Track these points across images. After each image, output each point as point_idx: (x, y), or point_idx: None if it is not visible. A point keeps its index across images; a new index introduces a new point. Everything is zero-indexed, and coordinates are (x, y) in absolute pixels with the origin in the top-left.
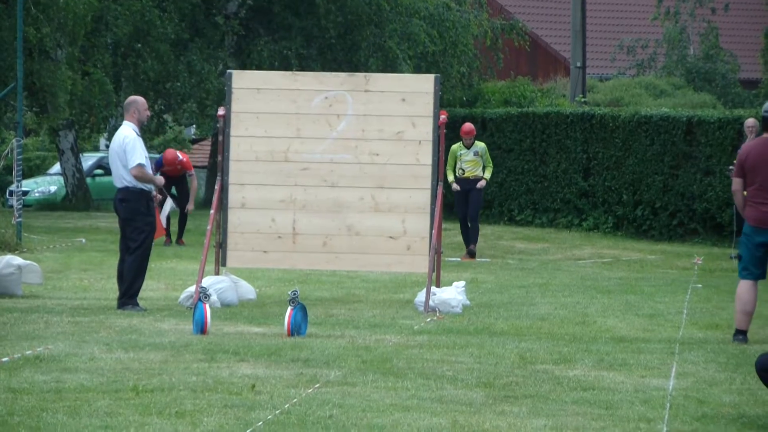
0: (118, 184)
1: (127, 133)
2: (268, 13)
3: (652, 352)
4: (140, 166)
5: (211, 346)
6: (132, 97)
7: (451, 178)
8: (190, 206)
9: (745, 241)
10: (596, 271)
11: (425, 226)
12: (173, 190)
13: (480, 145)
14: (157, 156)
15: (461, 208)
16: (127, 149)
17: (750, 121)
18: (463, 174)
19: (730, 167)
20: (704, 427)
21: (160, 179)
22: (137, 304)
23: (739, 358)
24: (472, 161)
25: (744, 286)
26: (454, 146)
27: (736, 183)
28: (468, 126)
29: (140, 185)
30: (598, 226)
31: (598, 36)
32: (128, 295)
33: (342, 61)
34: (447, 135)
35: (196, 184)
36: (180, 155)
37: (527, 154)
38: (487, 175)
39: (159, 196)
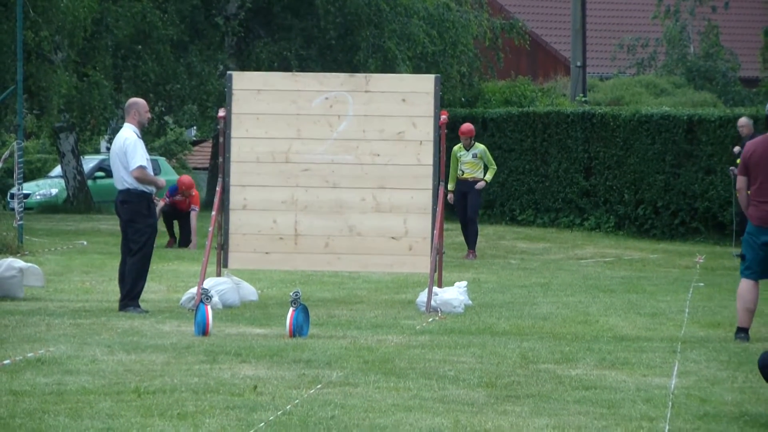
0: (119, 186)
1: (128, 135)
2: (267, 14)
3: (654, 351)
4: (141, 168)
5: (213, 347)
6: (133, 99)
7: (450, 186)
8: (192, 245)
9: (748, 240)
10: (598, 271)
11: (427, 226)
12: (176, 227)
13: (479, 147)
14: (160, 158)
15: (461, 211)
16: (128, 151)
17: (742, 120)
18: (462, 175)
19: (731, 168)
20: (706, 426)
21: (162, 180)
22: (139, 306)
23: (741, 356)
24: (471, 163)
25: (746, 285)
26: (455, 148)
27: (741, 181)
28: (467, 126)
29: (141, 187)
30: (600, 226)
31: (598, 35)
32: (129, 297)
33: (342, 61)
34: (448, 135)
35: (195, 222)
36: (192, 191)
37: (528, 153)
38: (489, 176)
39: (159, 201)
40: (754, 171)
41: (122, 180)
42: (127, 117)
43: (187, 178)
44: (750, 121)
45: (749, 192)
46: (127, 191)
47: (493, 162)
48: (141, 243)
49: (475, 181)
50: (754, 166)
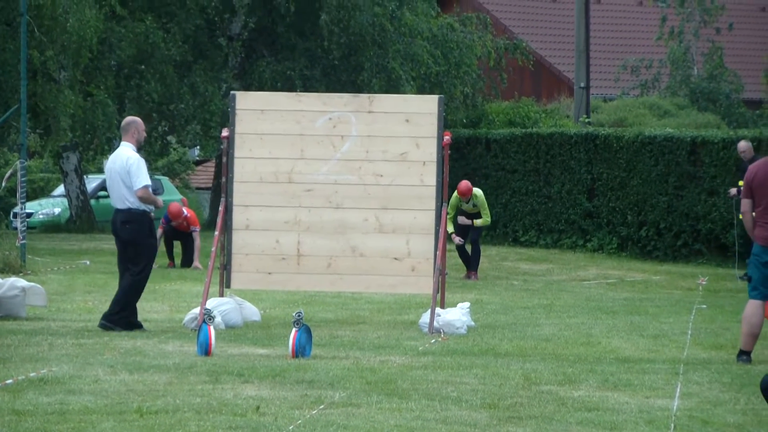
0: (120, 206)
1: (130, 155)
2: (271, 34)
3: (656, 373)
4: (146, 187)
5: (216, 367)
6: (131, 118)
7: (450, 229)
8: (195, 263)
9: (754, 261)
10: (601, 292)
11: (430, 247)
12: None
13: (478, 198)
14: (163, 177)
15: (462, 236)
16: (132, 171)
17: (741, 145)
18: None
19: (729, 190)
20: None
21: (159, 200)
22: (123, 327)
23: (744, 378)
24: (471, 209)
25: (752, 308)
26: (453, 197)
27: (745, 204)
28: (465, 185)
29: (143, 206)
30: (603, 247)
31: (601, 56)
32: (118, 316)
33: (345, 81)
34: (451, 156)
35: (199, 242)
36: (185, 211)
37: (531, 174)
38: (479, 222)
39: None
40: (758, 193)
41: (123, 199)
42: (126, 135)
43: (175, 207)
44: (749, 144)
45: (754, 214)
46: (129, 211)
47: (488, 213)
48: (142, 265)
49: (478, 215)
50: (757, 188)
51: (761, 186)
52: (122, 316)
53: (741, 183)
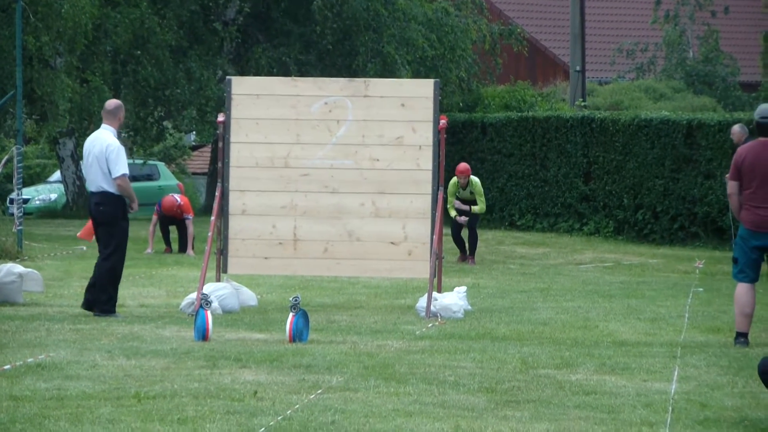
0: (94, 188)
1: (111, 141)
2: (266, 20)
3: (653, 356)
4: (125, 176)
5: (213, 352)
6: (118, 102)
7: (453, 213)
8: (189, 251)
9: (740, 243)
10: (597, 276)
11: (426, 231)
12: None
13: (474, 185)
14: (159, 163)
15: (455, 226)
16: (111, 158)
17: (734, 129)
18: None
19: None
20: (706, 431)
21: (135, 205)
22: (115, 312)
23: (741, 361)
24: (468, 196)
25: (741, 289)
26: (451, 183)
27: (732, 186)
28: (463, 165)
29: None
30: (599, 231)
31: (597, 40)
32: (103, 304)
33: (341, 66)
34: (447, 140)
35: (193, 229)
36: (179, 199)
37: (527, 158)
38: (476, 209)
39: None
40: (748, 176)
41: (98, 183)
42: (111, 119)
43: (168, 201)
44: (741, 129)
45: (741, 196)
46: (103, 193)
47: (484, 200)
48: (112, 247)
49: (473, 202)
50: (746, 171)
51: (750, 169)
52: (111, 300)
53: None
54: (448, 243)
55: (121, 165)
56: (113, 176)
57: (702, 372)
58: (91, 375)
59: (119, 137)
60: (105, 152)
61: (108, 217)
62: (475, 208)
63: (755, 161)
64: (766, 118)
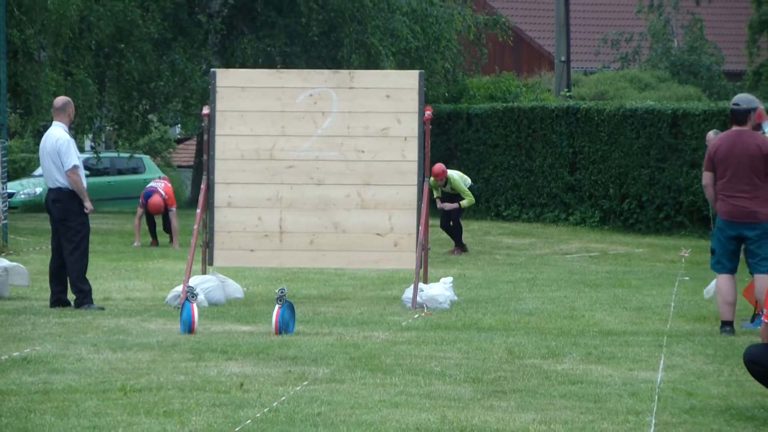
0: (51, 185)
1: (60, 135)
2: (250, 11)
3: (640, 345)
4: (76, 167)
5: (199, 345)
6: (66, 98)
7: (436, 194)
8: (174, 245)
9: (717, 234)
10: (583, 265)
11: (412, 222)
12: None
13: (452, 181)
14: (144, 156)
15: (444, 216)
16: (62, 151)
17: (709, 135)
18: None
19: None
20: (692, 419)
21: (88, 204)
22: (92, 303)
23: (727, 349)
24: (451, 191)
25: (722, 279)
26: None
27: (707, 177)
28: (439, 167)
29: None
30: (585, 221)
31: (582, 30)
32: (80, 298)
33: (326, 58)
34: (432, 131)
35: (177, 222)
36: (163, 192)
37: (513, 149)
38: (465, 203)
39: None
40: (721, 166)
41: (54, 179)
42: (61, 115)
43: (155, 202)
44: (715, 135)
45: (716, 187)
46: (59, 190)
47: (468, 193)
48: (76, 242)
49: (457, 196)
50: (720, 162)
51: (723, 159)
52: (82, 292)
53: None
54: (435, 234)
55: (72, 157)
56: (65, 168)
57: (688, 361)
58: (77, 368)
59: (69, 132)
60: (56, 146)
61: (64, 212)
62: (464, 203)
63: (728, 150)
64: (738, 105)
